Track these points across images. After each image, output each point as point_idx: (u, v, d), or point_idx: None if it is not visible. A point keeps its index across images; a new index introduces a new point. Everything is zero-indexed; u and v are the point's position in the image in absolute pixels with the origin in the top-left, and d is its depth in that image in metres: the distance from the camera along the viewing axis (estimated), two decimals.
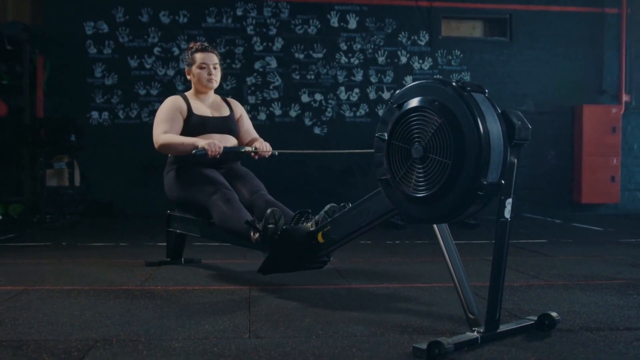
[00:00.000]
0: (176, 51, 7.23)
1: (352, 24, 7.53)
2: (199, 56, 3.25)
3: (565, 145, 7.91)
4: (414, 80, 7.00)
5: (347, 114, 7.51)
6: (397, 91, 2.09)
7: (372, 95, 7.55)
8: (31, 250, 4.19)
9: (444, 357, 1.78)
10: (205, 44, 3.35)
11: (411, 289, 2.85)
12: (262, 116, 7.36)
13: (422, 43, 7.65)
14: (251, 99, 7.36)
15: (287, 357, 1.81)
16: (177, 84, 7.23)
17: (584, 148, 7.73)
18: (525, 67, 7.80)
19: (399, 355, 1.84)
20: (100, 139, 7.05)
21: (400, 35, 7.61)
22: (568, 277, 3.22)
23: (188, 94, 3.30)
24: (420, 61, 7.65)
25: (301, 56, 7.44)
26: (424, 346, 1.79)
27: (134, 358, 1.79)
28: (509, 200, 1.95)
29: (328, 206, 2.73)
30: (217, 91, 3.40)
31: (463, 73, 7.70)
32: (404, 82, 7.53)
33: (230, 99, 3.45)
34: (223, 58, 6.25)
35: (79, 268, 3.39)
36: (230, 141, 3.25)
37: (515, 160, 1.95)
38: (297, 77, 7.43)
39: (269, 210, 2.73)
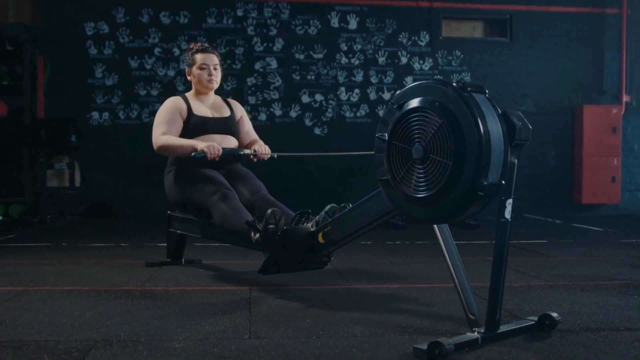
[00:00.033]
0: (176, 52, 7.23)
1: (353, 24, 7.53)
2: (199, 57, 3.25)
3: (566, 146, 7.91)
4: (414, 80, 6.96)
5: (347, 114, 7.51)
6: (398, 92, 2.09)
7: (373, 96, 7.55)
8: (31, 250, 4.19)
9: (445, 358, 1.78)
10: (206, 44, 3.35)
11: (411, 290, 2.85)
12: (263, 117, 7.37)
13: (423, 43, 7.65)
14: (251, 100, 7.36)
15: (288, 357, 1.81)
16: (177, 85, 7.23)
17: (585, 148, 7.73)
18: (525, 68, 7.80)
19: (400, 355, 1.84)
20: (101, 140, 7.05)
21: (401, 36, 7.61)
22: (568, 277, 3.21)
23: (188, 94, 3.30)
24: (421, 62, 7.65)
25: (301, 57, 7.44)
26: (424, 347, 1.79)
27: (134, 358, 1.79)
28: (510, 201, 1.95)
29: (328, 206, 2.73)
30: (218, 92, 3.40)
31: (463, 73, 7.70)
32: (404, 82, 7.53)
33: (230, 100, 3.45)
34: (223, 58, 6.25)
35: (80, 268, 3.39)
36: (231, 142, 3.25)
37: (516, 161, 1.95)
38: (298, 77, 7.44)
39: (269, 211, 2.73)
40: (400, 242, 4.76)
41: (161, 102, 3.33)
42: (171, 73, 7.23)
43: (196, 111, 3.19)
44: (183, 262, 3.54)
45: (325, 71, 7.47)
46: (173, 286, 2.90)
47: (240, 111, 3.40)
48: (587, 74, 7.93)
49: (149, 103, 7.18)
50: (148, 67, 7.20)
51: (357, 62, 7.54)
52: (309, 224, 2.71)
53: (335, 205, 2.74)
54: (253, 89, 7.38)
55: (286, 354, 1.84)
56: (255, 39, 7.37)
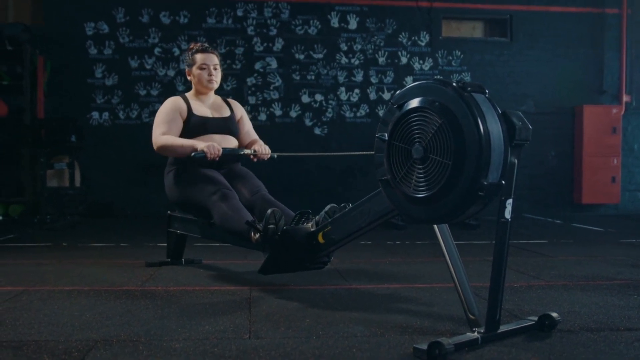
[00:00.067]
0: (176, 52, 7.23)
1: (353, 24, 7.53)
2: (199, 57, 3.25)
3: (566, 146, 7.91)
4: (414, 80, 6.97)
5: (347, 114, 7.51)
6: (398, 92, 2.09)
7: (373, 96, 7.55)
8: (31, 250, 4.19)
9: (445, 358, 1.77)
10: (206, 44, 3.35)
11: (411, 290, 2.85)
12: (263, 117, 7.37)
13: (423, 43, 7.65)
14: (251, 100, 7.36)
15: (288, 357, 1.81)
16: (177, 85, 7.23)
17: (585, 148, 7.73)
18: (525, 68, 7.80)
19: (400, 355, 1.84)
20: (101, 140, 7.05)
21: (401, 36, 7.61)
22: (568, 277, 3.21)
23: (188, 94, 3.30)
24: (421, 62, 7.65)
25: (301, 57, 7.44)
26: (424, 347, 1.79)
27: (134, 358, 1.79)
28: (510, 201, 1.95)
29: (328, 206, 2.73)
30: (218, 92, 3.40)
31: (463, 73, 7.70)
32: (404, 82, 7.53)
33: (230, 100, 3.45)
34: (223, 58, 6.25)
35: (80, 268, 3.39)
36: (231, 142, 3.25)
37: (516, 161, 1.95)
38: (298, 77, 7.44)
39: (269, 211, 2.73)
40: (400, 242, 4.76)
41: (161, 102, 3.33)
42: (171, 73, 7.23)
43: (196, 111, 3.19)
44: (183, 262, 3.54)
45: (325, 71, 7.47)
46: (173, 286, 2.90)
47: (240, 111, 3.40)
48: (587, 74, 7.93)
49: (149, 103, 7.18)
50: (148, 67, 7.20)
51: (357, 62, 7.54)
52: (309, 224, 2.71)
53: (335, 205, 2.74)
54: (253, 89, 7.38)
55: (286, 354, 1.84)
56: (255, 39, 7.37)
